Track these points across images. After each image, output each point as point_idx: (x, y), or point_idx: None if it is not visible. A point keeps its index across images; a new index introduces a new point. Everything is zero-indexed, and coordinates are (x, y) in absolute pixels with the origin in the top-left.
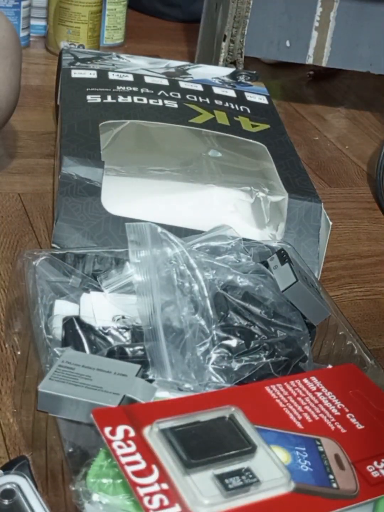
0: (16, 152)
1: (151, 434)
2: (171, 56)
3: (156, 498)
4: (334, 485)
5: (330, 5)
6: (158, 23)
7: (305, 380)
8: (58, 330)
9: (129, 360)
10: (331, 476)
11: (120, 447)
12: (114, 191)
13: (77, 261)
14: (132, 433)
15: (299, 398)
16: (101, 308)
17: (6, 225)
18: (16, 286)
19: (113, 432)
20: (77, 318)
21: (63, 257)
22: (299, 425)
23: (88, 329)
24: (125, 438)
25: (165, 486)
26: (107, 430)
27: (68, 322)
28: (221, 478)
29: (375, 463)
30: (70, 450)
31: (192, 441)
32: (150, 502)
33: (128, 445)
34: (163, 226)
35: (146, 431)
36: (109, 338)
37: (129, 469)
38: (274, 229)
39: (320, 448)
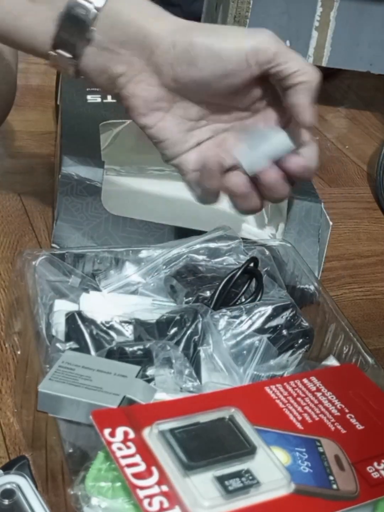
0: (16, 152)
1: (151, 435)
2: None
3: (156, 501)
4: (334, 486)
5: (330, 5)
6: None
7: (305, 380)
8: (59, 326)
9: (128, 360)
10: (331, 477)
11: (119, 448)
12: (114, 191)
13: (77, 261)
14: (131, 435)
15: (299, 399)
16: (100, 308)
17: (6, 225)
18: (16, 286)
19: (112, 434)
20: (79, 313)
21: (63, 257)
22: (299, 425)
23: (90, 323)
24: (125, 440)
25: (165, 488)
26: (107, 431)
27: (71, 317)
28: (221, 479)
29: (375, 464)
30: (70, 450)
31: (192, 443)
32: (150, 504)
33: (128, 447)
34: (163, 226)
35: (145, 432)
36: (112, 333)
37: (129, 471)
38: (274, 229)
39: (320, 449)
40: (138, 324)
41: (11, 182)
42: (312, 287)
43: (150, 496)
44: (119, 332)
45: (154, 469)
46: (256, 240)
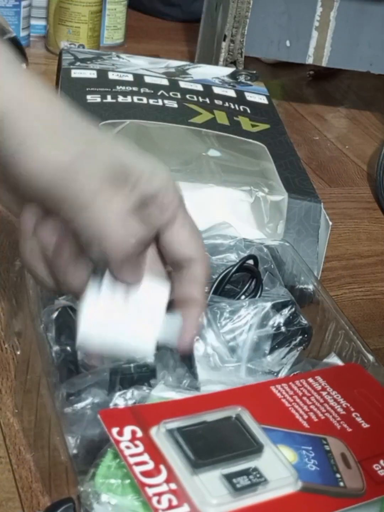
0: None
1: (159, 434)
2: (171, 56)
3: (164, 498)
4: (341, 484)
5: (330, 5)
6: (158, 23)
7: (310, 380)
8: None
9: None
10: (337, 475)
11: (128, 447)
12: None
13: None
14: (139, 434)
15: (304, 398)
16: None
17: (6, 225)
18: (16, 286)
19: (120, 433)
20: (70, 307)
21: None
22: (305, 424)
23: None
24: (133, 439)
25: (173, 486)
26: (115, 430)
27: (62, 311)
28: (229, 477)
29: (381, 461)
30: (75, 451)
31: (199, 441)
32: (159, 502)
33: (136, 446)
34: None
35: (153, 431)
36: None
37: (138, 470)
38: (274, 229)
39: (327, 447)
40: None
41: None
42: (311, 287)
43: (159, 494)
44: None
45: (162, 467)
46: (254, 239)
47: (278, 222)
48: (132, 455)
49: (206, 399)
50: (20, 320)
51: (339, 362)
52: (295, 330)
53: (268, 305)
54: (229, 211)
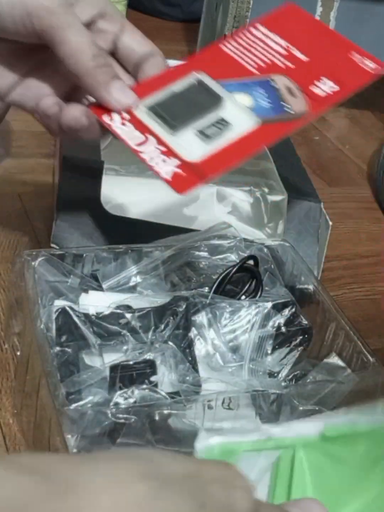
0: (16, 152)
1: (141, 112)
2: (171, 56)
3: (158, 159)
4: (291, 111)
5: (330, 5)
6: (158, 23)
7: (252, 29)
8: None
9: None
10: (287, 105)
11: (120, 127)
12: (114, 191)
13: (76, 261)
14: (126, 116)
15: (250, 48)
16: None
17: (6, 225)
18: (15, 286)
19: (110, 118)
20: (70, 307)
21: (62, 257)
22: (254, 71)
23: (82, 316)
24: (123, 120)
25: (162, 148)
26: (106, 118)
27: (61, 312)
28: (201, 131)
29: (317, 82)
30: (75, 451)
31: (173, 108)
32: (154, 162)
33: (126, 126)
34: (162, 226)
35: (137, 111)
36: (105, 323)
37: (132, 142)
38: (274, 229)
39: (274, 85)
40: (132, 312)
41: (11, 182)
42: (311, 287)
43: (152, 156)
44: (112, 322)
45: (149, 136)
46: (254, 239)
47: (278, 222)
48: (124, 133)
49: (170, 74)
50: (20, 320)
51: (340, 363)
52: (296, 330)
53: (269, 305)
54: (229, 211)
